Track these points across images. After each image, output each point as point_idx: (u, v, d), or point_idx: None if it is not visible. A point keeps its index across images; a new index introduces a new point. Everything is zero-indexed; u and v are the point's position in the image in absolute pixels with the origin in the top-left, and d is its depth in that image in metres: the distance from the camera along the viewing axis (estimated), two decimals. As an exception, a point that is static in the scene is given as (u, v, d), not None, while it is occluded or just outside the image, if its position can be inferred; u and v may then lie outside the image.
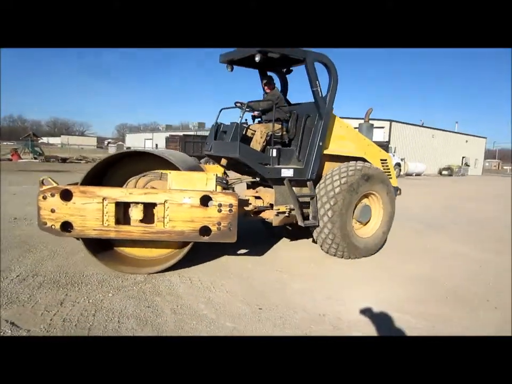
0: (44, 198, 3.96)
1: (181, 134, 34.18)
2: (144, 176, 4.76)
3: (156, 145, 52.75)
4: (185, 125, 73.62)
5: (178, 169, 4.41)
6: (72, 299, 3.79)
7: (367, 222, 6.04)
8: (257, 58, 4.92)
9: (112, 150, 56.07)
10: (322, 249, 5.76)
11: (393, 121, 36.59)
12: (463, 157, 46.14)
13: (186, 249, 4.55)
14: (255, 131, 5.60)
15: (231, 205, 4.16)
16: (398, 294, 4.43)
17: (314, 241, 5.95)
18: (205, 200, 4.15)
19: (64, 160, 27.50)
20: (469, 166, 45.16)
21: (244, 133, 5.75)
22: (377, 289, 4.58)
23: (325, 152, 5.67)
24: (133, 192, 4.17)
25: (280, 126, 5.66)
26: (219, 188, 4.44)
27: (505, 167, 79.02)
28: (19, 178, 14.32)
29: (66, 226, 4.05)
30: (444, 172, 40.79)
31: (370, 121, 7.62)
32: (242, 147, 5.08)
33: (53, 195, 3.97)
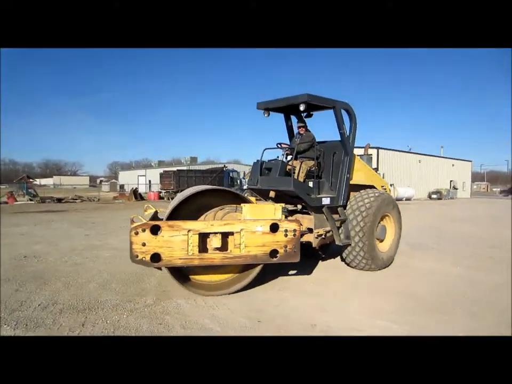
0: (136, 233, 4.41)
1: (175, 169, 34.94)
2: (221, 209, 5.35)
3: (149, 181, 53.26)
4: (177, 160, 74.42)
5: (250, 203, 5.22)
6: (92, 321, 4.24)
7: (383, 240, 6.94)
8: (302, 108, 5.86)
9: (105, 188, 56.60)
10: (349, 265, 6.70)
11: (381, 148, 37.62)
12: (451, 181, 47.14)
13: (257, 269, 5.25)
14: (295, 167, 6.41)
15: (295, 230, 4.87)
16: (382, 306, 4.93)
17: (342, 259, 6.85)
18: (274, 227, 4.80)
19: (59, 200, 27.94)
20: (457, 189, 46.13)
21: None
22: (365, 302, 5.08)
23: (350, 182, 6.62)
24: (214, 223, 4.78)
25: (314, 162, 6.49)
26: (283, 216, 5.19)
27: (494, 189, 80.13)
28: (19, 220, 14.72)
29: (155, 258, 4.50)
30: (433, 196, 41.62)
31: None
32: (294, 181, 5.92)
33: (144, 230, 4.43)
